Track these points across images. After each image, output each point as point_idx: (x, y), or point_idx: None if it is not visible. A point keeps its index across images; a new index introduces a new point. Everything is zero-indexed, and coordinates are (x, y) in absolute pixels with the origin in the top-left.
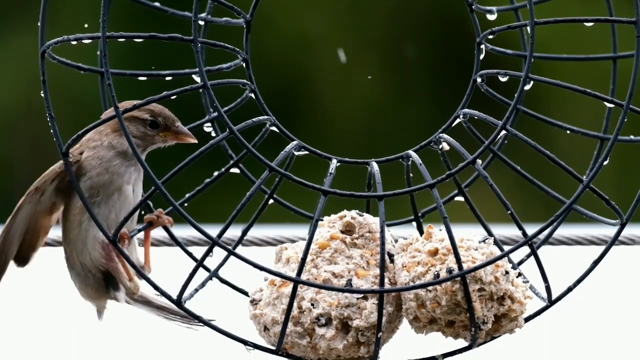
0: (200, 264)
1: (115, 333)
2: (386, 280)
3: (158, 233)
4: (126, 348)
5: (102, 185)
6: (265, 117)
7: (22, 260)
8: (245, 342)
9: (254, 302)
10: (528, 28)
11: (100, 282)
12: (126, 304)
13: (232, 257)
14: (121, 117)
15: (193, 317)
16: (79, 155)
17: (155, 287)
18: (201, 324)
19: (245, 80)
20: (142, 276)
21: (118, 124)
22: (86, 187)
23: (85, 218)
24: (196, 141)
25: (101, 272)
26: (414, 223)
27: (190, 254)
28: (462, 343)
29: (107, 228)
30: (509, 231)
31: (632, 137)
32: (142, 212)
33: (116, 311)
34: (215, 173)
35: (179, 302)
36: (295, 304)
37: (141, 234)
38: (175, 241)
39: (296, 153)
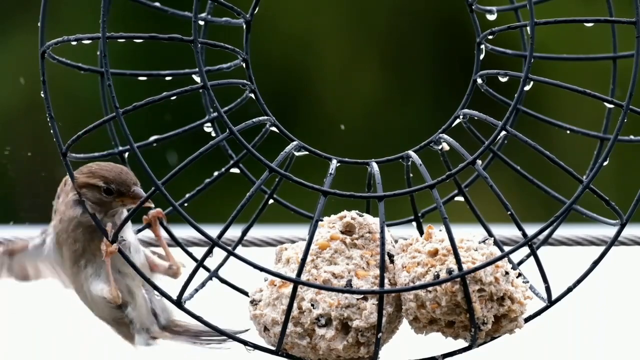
0: (200, 264)
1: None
2: (386, 280)
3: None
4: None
5: (79, 254)
6: (265, 117)
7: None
8: (245, 343)
9: (254, 303)
10: (528, 28)
11: (122, 326)
12: (153, 341)
13: (232, 258)
14: (121, 117)
15: (193, 318)
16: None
17: (155, 288)
18: (230, 340)
19: (245, 81)
20: (143, 277)
21: (82, 185)
22: (67, 257)
23: (82, 277)
24: (152, 205)
25: (117, 322)
26: (414, 223)
27: (190, 254)
28: (462, 343)
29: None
30: (508, 231)
31: (632, 137)
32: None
33: None
34: (215, 173)
35: (179, 302)
36: (295, 305)
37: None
38: (175, 241)
39: (296, 153)
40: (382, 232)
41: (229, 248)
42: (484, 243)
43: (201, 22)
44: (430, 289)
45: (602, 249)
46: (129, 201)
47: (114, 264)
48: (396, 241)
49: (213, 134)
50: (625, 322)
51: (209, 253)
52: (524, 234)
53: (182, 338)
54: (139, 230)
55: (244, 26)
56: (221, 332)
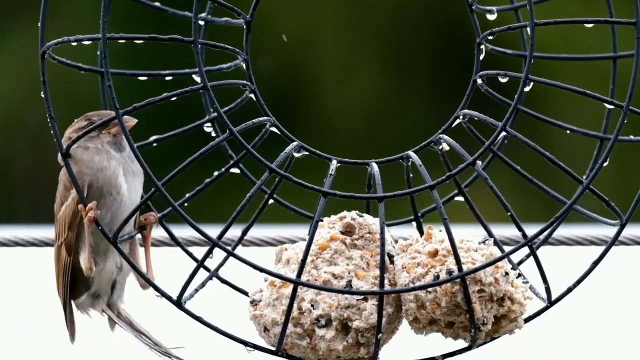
0: (200, 264)
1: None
2: (386, 281)
3: (158, 233)
4: (126, 348)
5: (89, 185)
6: (265, 117)
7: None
8: (245, 343)
9: (254, 303)
10: (528, 28)
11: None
12: (104, 316)
13: (232, 258)
14: (121, 117)
15: (193, 318)
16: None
17: (156, 288)
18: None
19: (245, 81)
20: (144, 278)
21: (69, 137)
22: (95, 195)
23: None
24: (136, 120)
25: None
26: (414, 224)
27: (190, 255)
28: (462, 344)
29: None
30: (509, 232)
31: (632, 137)
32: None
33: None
34: (215, 173)
35: (179, 302)
36: (295, 305)
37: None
38: (175, 241)
39: (296, 154)
40: (382, 232)
41: (229, 248)
42: (484, 244)
43: (201, 22)
44: (430, 289)
45: (602, 248)
46: (115, 128)
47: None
48: (396, 242)
49: (213, 134)
50: (625, 322)
51: (209, 254)
52: (524, 235)
53: (124, 326)
54: (131, 236)
55: (244, 26)
56: (221, 333)
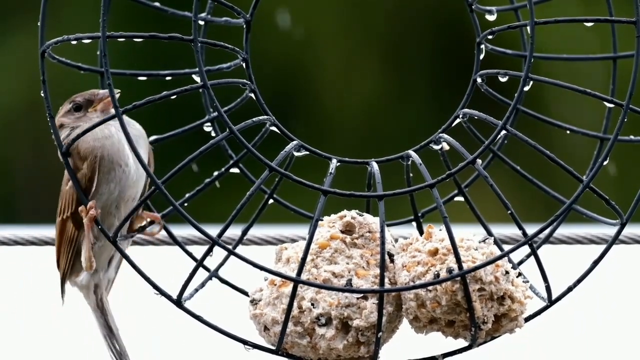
0: (200, 263)
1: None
2: (386, 280)
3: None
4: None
5: (101, 158)
6: (265, 117)
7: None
8: (245, 342)
9: (254, 302)
10: (528, 28)
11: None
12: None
13: (232, 257)
14: (121, 117)
15: (193, 317)
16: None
17: (155, 287)
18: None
19: (245, 80)
20: (142, 276)
21: (59, 123)
22: (106, 168)
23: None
24: (119, 91)
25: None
26: (414, 223)
27: (190, 254)
28: (462, 343)
29: (110, 206)
30: (509, 231)
31: (632, 137)
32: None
33: (116, 314)
34: (215, 173)
35: (179, 302)
36: (295, 304)
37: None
38: (175, 241)
39: (296, 153)
40: (382, 231)
41: (229, 247)
42: (484, 242)
43: (201, 22)
44: (430, 288)
45: (602, 248)
46: (99, 105)
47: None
48: (396, 240)
49: (213, 134)
50: (626, 322)
51: (209, 252)
52: (524, 233)
53: (98, 318)
54: (131, 237)
55: (244, 26)
56: (221, 332)
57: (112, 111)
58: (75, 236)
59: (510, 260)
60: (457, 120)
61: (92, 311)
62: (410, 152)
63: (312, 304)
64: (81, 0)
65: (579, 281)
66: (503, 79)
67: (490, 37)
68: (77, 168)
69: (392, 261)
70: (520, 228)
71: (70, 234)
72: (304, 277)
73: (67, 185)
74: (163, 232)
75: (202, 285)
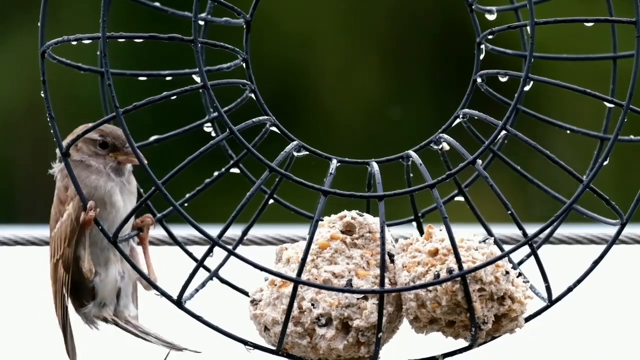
0: (200, 264)
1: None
2: (386, 280)
3: (158, 232)
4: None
5: (97, 202)
6: (265, 117)
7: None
8: (245, 342)
9: (254, 302)
10: (528, 28)
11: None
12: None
13: (232, 257)
14: (121, 117)
15: (193, 317)
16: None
17: (156, 287)
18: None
19: (245, 80)
20: (144, 277)
21: (78, 142)
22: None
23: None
24: (145, 161)
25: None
26: (414, 223)
27: (190, 254)
28: (462, 343)
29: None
30: (509, 231)
31: (632, 137)
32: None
33: None
34: (215, 173)
35: (179, 302)
36: (295, 304)
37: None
38: (175, 241)
39: (296, 154)
40: (382, 231)
41: (229, 248)
42: (484, 242)
43: (201, 22)
44: (430, 288)
45: (602, 248)
46: (122, 157)
47: (98, 238)
48: (396, 241)
49: (213, 134)
50: (626, 322)
51: (209, 253)
52: (524, 233)
53: (132, 329)
54: (131, 237)
55: (244, 26)
56: (222, 332)
57: (129, 167)
58: (67, 280)
59: (510, 261)
60: (457, 120)
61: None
62: (411, 152)
63: (313, 304)
64: (81, 0)
65: (579, 281)
66: (503, 79)
67: (490, 37)
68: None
69: (392, 261)
70: (520, 228)
71: (63, 278)
72: (304, 277)
73: (55, 227)
74: (163, 232)
75: (203, 285)
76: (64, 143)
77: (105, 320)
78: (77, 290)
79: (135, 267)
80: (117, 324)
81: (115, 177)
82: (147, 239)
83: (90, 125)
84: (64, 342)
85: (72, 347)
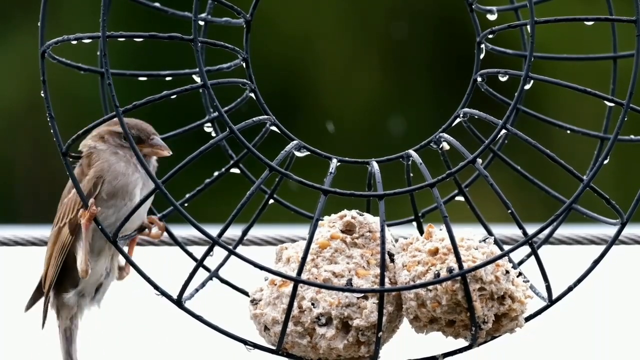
0: (200, 263)
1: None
2: (386, 279)
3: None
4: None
5: (117, 190)
6: (266, 116)
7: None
8: (245, 342)
9: (254, 302)
10: (528, 27)
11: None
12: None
13: (232, 257)
14: (121, 116)
15: (193, 317)
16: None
17: (156, 287)
18: None
19: (245, 80)
20: (142, 276)
21: (103, 134)
22: (105, 191)
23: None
24: (171, 153)
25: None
26: (414, 223)
27: (190, 254)
28: (462, 343)
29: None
30: (509, 231)
31: (632, 136)
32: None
33: (117, 314)
34: (216, 173)
35: (179, 302)
36: (295, 304)
37: None
38: (175, 241)
39: (296, 153)
40: (382, 231)
41: (230, 247)
42: (485, 242)
43: (201, 22)
44: (430, 287)
45: (602, 248)
46: (147, 149)
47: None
48: (396, 240)
49: (213, 134)
50: (626, 322)
51: (209, 252)
52: (525, 232)
53: (61, 342)
54: (131, 237)
55: (244, 26)
56: (222, 332)
57: (153, 161)
58: (69, 241)
59: (510, 260)
60: (457, 120)
61: (58, 334)
62: (411, 151)
63: (313, 304)
64: (81, 1)
65: (579, 281)
66: (503, 79)
67: (490, 36)
68: (82, 174)
69: (392, 261)
70: (521, 228)
71: (65, 239)
72: (304, 276)
73: (69, 193)
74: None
75: (203, 285)
76: (97, 137)
77: (66, 317)
78: (63, 274)
79: (134, 266)
80: (71, 320)
81: (141, 169)
82: (136, 239)
83: (119, 128)
84: (44, 303)
85: (46, 312)
